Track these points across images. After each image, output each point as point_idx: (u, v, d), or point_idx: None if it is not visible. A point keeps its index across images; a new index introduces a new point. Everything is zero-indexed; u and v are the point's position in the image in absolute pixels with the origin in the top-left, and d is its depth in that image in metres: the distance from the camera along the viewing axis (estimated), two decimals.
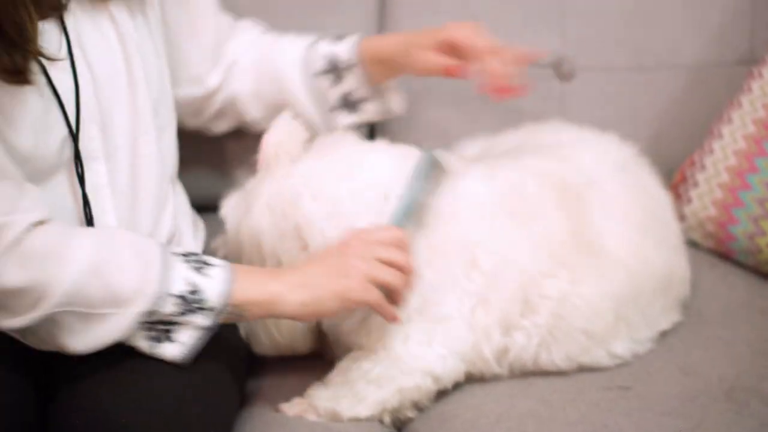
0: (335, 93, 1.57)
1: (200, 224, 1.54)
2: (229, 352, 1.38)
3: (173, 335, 1.26)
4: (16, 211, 1.22)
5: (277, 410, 1.40)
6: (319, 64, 1.56)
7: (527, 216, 1.44)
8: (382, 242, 1.32)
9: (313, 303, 1.28)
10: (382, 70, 1.55)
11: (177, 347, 1.26)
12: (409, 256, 1.33)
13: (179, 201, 1.47)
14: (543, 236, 1.42)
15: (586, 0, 1.78)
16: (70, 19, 1.29)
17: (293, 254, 1.38)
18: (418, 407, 1.40)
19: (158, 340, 1.26)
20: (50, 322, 1.23)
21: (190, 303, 1.24)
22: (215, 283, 1.25)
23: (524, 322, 1.42)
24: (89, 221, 1.32)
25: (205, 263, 1.27)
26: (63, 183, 1.31)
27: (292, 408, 1.39)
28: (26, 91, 1.25)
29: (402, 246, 1.33)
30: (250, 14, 1.71)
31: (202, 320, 1.25)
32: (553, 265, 1.42)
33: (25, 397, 1.30)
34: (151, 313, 1.23)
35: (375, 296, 1.30)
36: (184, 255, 1.27)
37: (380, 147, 1.48)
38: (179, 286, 1.24)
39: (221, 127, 1.64)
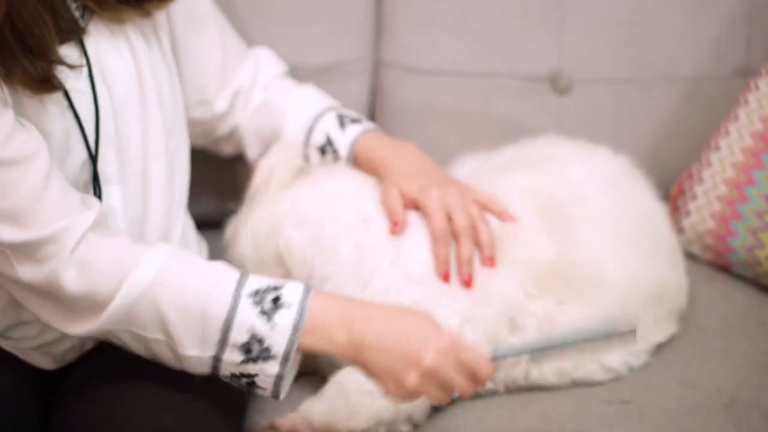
0: None
1: (203, 245, 1.54)
2: None
3: (257, 382, 1.23)
4: (76, 212, 1.21)
5: (272, 425, 1.39)
6: (319, 139, 1.56)
7: (511, 241, 1.44)
8: (462, 364, 1.21)
9: (360, 365, 1.22)
10: (367, 168, 1.53)
11: (265, 393, 1.24)
12: (473, 389, 1.23)
13: (186, 224, 1.47)
14: (527, 262, 1.42)
15: (584, 13, 1.78)
16: (90, 43, 1.29)
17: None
18: (412, 421, 1.40)
19: (248, 388, 1.24)
20: (113, 336, 1.23)
21: (255, 352, 1.21)
22: (280, 333, 1.20)
23: (513, 340, 1.42)
24: None
25: (277, 303, 1.21)
26: None
27: (286, 423, 1.39)
28: (52, 113, 1.25)
29: (478, 380, 1.23)
30: (248, 13, 1.71)
31: (271, 368, 1.21)
32: (538, 291, 1.42)
33: (28, 409, 1.31)
34: (216, 359, 1.22)
35: (406, 399, 1.23)
36: (255, 294, 1.22)
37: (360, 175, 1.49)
38: (242, 336, 1.20)
39: (227, 150, 1.64)
